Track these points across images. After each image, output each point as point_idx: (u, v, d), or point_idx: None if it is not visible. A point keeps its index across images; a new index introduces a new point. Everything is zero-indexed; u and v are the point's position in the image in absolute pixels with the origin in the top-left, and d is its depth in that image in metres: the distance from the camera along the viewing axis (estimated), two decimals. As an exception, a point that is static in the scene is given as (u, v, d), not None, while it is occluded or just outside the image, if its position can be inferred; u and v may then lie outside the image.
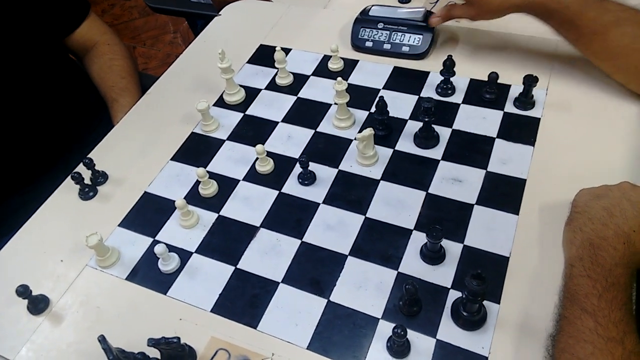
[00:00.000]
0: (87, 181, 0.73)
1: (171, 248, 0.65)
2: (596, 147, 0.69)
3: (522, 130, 0.72)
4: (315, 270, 0.61)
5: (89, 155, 0.76)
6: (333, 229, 0.65)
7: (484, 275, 0.49)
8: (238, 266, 0.62)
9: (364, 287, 0.59)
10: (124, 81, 0.95)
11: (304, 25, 0.96)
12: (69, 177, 0.71)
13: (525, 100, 0.73)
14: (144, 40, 2.33)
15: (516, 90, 0.76)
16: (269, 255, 0.63)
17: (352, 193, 0.68)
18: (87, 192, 0.72)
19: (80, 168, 0.74)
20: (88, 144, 0.80)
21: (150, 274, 0.63)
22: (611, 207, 0.55)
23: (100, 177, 0.74)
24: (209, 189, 0.70)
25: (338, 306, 0.58)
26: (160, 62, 2.22)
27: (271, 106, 0.81)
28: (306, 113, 0.79)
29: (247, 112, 0.81)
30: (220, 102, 0.83)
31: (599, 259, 0.52)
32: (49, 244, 0.68)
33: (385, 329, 0.55)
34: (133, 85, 0.95)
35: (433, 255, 0.60)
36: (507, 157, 0.69)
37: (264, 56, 0.89)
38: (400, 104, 0.78)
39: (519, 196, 0.65)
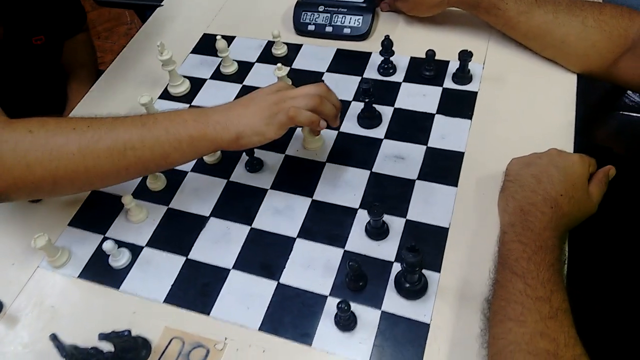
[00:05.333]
0: (34, 183, 0.72)
1: (122, 243, 0.65)
2: (530, 118, 0.71)
3: (460, 104, 0.74)
4: (265, 254, 0.63)
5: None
6: (281, 213, 0.66)
7: (418, 247, 0.52)
8: (189, 256, 0.63)
9: (312, 267, 0.61)
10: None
11: (247, 12, 0.96)
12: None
13: (462, 75, 0.76)
14: (99, 33, 2.27)
15: (454, 66, 0.78)
16: (219, 243, 0.64)
17: (299, 177, 0.70)
18: (35, 193, 0.72)
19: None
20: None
21: (102, 271, 0.63)
22: (539, 174, 0.58)
23: (47, 178, 0.73)
24: (157, 182, 0.70)
25: (287, 287, 0.60)
26: (115, 56, 2.18)
27: (217, 96, 0.81)
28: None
29: (193, 103, 0.81)
30: (166, 94, 0.83)
31: (528, 224, 0.55)
32: (-2, 248, 0.68)
33: (333, 305, 0.57)
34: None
35: (377, 232, 0.62)
36: (446, 132, 0.71)
37: (207, 45, 0.89)
38: (343, 86, 0.79)
39: (457, 169, 0.67)
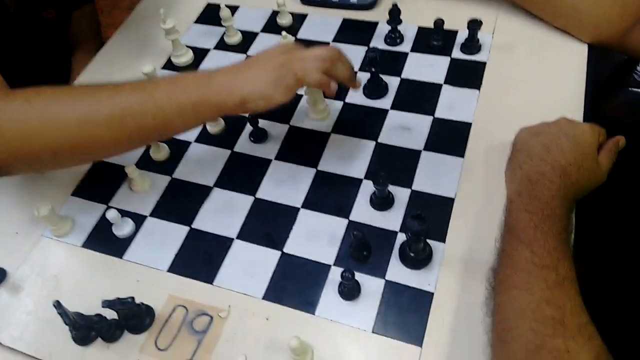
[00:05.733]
0: (37, 153, 0.72)
1: (125, 213, 0.65)
2: (540, 88, 0.70)
3: (468, 75, 0.72)
4: (268, 224, 0.62)
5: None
6: (285, 183, 0.66)
7: (424, 215, 0.51)
8: (193, 226, 0.63)
9: (317, 237, 0.60)
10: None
11: (252, -18, 0.93)
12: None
13: (471, 45, 0.74)
14: (101, 8, 2.24)
15: (463, 35, 0.76)
16: (223, 213, 0.64)
17: (303, 148, 0.69)
18: (38, 164, 0.72)
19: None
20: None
21: (105, 240, 0.63)
22: (549, 143, 0.57)
23: (50, 148, 0.73)
24: (160, 152, 0.69)
25: (291, 257, 0.59)
26: (118, 31, 2.16)
27: (221, 66, 0.80)
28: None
29: (197, 74, 0.80)
30: (169, 65, 0.81)
31: (536, 193, 0.54)
32: (2, 217, 0.68)
33: (337, 274, 0.56)
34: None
35: (382, 202, 0.61)
36: (453, 103, 0.70)
37: (211, 15, 0.87)
38: (349, 56, 0.77)
39: (464, 140, 0.66)
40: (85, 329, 0.55)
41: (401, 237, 0.59)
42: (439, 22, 0.74)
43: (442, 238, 0.58)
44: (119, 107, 0.55)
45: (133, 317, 0.55)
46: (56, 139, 0.55)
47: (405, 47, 0.78)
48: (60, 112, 0.55)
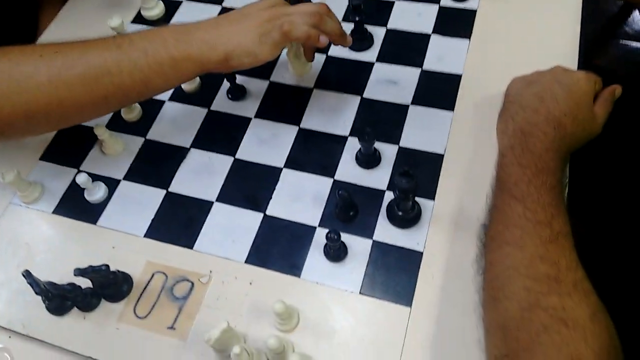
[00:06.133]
0: (0, 116, 0.67)
1: (98, 177, 0.61)
2: (533, 38, 0.66)
3: (458, 23, 0.69)
4: (250, 186, 0.59)
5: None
6: (266, 142, 0.62)
7: (412, 172, 0.48)
8: (170, 189, 0.60)
9: (300, 198, 0.58)
10: None
11: None
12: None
13: (461, -9, 0.70)
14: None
15: (452, -19, 0.71)
16: (201, 175, 0.61)
17: (285, 104, 0.65)
18: (2, 127, 0.67)
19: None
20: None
21: (77, 206, 0.60)
22: (542, 93, 0.54)
23: (14, 111, 0.68)
24: (132, 112, 0.65)
25: (274, 219, 0.57)
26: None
27: (195, 19, 0.75)
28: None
29: (169, 28, 0.75)
30: (139, 19, 0.76)
31: (529, 146, 0.51)
32: (-33, 185, 0.64)
33: (322, 236, 0.54)
34: None
35: (368, 159, 0.58)
36: (442, 54, 0.66)
37: (183, -35, 0.81)
38: (331, 5, 0.72)
39: (454, 92, 0.63)
40: (58, 298, 0.52)
41: (389, 196, 0.56)
42: (427, -33, 0.69)
43: (431, 195, 0.55)
44: (92, 65, 0.52)
45: (109, 285, 0.52)
46: (27, 102, 0.51)
47: (391, -5, 0.73)
48: (30, 73, 0.51)
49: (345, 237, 0.53)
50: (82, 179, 0.57)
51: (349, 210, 0.55)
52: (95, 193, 0.59)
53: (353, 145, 0.60)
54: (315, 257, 0.54)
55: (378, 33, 0.69)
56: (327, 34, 0.56)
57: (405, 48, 0.68)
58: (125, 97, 0.55)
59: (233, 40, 0.53)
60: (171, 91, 0.68)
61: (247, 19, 0.55)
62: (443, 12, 0.70)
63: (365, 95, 0.64)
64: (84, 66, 0.52)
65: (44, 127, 0.59)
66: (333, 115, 0.63)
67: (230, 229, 0.56)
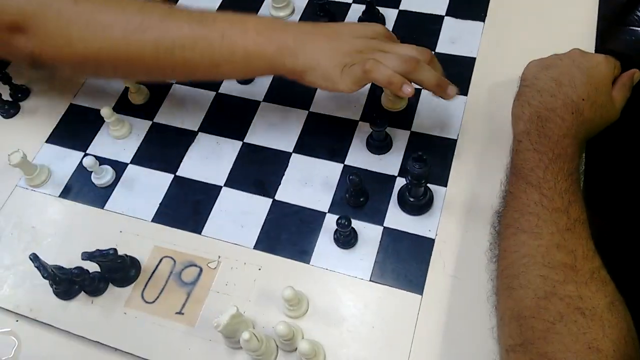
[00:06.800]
0: (6, 97, 0.67)
1: (105, 160, 0.61)
2: (549, 19, 0.65)
3: (472, 5, 0.67)
4: (258, 170, 0.58)
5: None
6: (276, 127, 0.61)
7: (426, 157, 0.47)
8: (177, 173, 0.59)
9: (310, 183, 0.57)
10: None
11: None
12: (-15, 94, 0.65)
13: (476, -29, 0.68)
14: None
15: (466, -39, 0.69)
16: (209, 159, 0.60)
17: (294, 88, 0.63)
18: (8, 109, 0.66)
19: (-3, 84, 0.68)
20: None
21: (84, 189, 0.59)
22: (560, 77, 0.53)
23: (20, 92, 0.68)
24: (139, 95, 0.64)
25: (284, 204, 0.56)
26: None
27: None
28: (239, 1, 0.72)
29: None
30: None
31: (546, 131, 0.50)
32: (-27, 168, 0.63)
33: (332, 222, 0.53)
34: None
35: (379, 145, 0.57)
36: (456, 36, 0.65)
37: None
38: (341, -14, 0.71)
39: (468, 76, 0.61)
40: (66, 282, 0.52)
41: (400, 182, 0.55)
42: (441, -53, 0.67)
43: (443, 182, 0.54)
44: (169, 35, 0.51)
45: (117, 269, 0.52)
46: (99, 50, 0.52)
47: (404, -24, 0.71)
48: (108, 23, 0.51)
49: (355, 223, 0.52)
50: (89, 162, 0.56)
51: (360, 196, 0.54)
52: (103, 177, 0.59)
53: (364, 130, 0.59)
54: (325, 243, 0.53)
55: (390, 15, 0.68)
56: (419, 82, 0.50)
57: (418, 30, 0.66)
58: (191, 73, 0.55)
59: (317, 56, 0.50)
60: (178, 73, 0.67)
61: (339, 41, 0.51)
62: (457, -6, 0.68)
63: (377, 78, 0.63)
64: (160, 33, 0.51)
65: (112, 76, 0.61)
66: (344, 99, 0.62)
67: (239, 214, 0.56)
